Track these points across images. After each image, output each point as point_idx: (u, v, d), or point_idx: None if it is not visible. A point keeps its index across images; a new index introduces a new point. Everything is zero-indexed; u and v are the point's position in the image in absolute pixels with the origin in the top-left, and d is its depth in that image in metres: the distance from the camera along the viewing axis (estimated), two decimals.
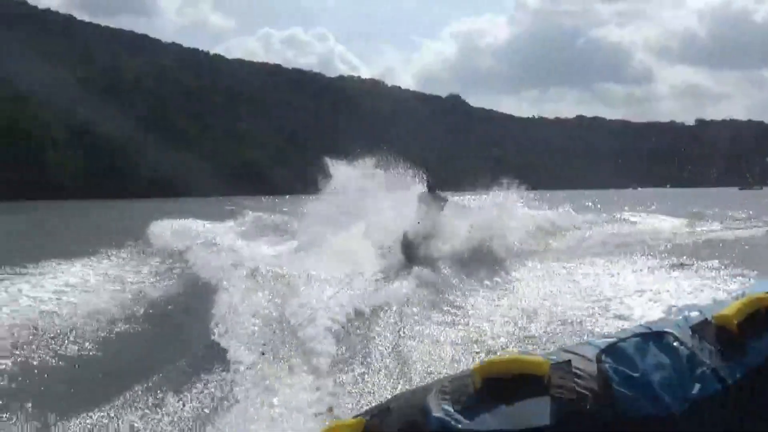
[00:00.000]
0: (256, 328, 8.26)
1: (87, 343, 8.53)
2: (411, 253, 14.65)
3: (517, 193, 20.14)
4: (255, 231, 16.20)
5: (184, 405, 6.10)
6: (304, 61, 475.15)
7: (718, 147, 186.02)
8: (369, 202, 16.19)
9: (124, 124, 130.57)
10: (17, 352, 8.02)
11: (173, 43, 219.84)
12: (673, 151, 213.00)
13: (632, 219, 30.27)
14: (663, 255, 16.69)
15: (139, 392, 6.42)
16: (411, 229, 14.90)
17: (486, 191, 20.62)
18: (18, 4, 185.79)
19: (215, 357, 7.34)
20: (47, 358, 7.94)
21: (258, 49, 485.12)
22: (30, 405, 6.18)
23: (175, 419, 5.82)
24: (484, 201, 20.16)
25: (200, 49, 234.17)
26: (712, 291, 11.31)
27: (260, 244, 14.51)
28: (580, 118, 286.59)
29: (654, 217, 31.15)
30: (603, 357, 0.90)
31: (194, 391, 6.42)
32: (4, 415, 6.01)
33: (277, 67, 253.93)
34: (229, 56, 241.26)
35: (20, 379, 7.19)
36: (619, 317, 9.88)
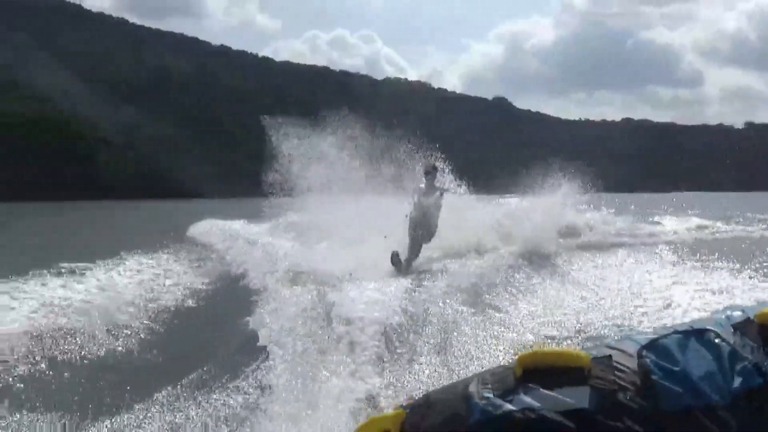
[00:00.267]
0: (297, 324, 8.31)
1: (131, 338, 8.70)
2: (402, 262, 13.70)
3: (566, 194, 20.02)
4: (295, 231, 16.22)
5: (225, 397, 6.17)
6: (351, 62, 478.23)
7: None
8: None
9: (173, 125, 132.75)
10: (68, 345, 8.17)
11: (222, 45, 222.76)
12: (721, 154, 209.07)
13: (668, 221, 29.93)
14: (692, 255, 16.56)
15: (183, 385, 6.52)
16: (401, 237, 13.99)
17: (532, 193, 20.52)
18: (72, 6, 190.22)
19: (256, 351, 7.41)
20: (95, 350, 8.12)
21: (304, 51, 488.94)
22: (77, 397, 6.29)
23: (218, 411, 5.90)
24: (527, 202, 20.06)
25: (248, 51, 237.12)
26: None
27: (299, 243, 14.52)
28: (627, 121, 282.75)
29: (688, 221, 30.63)
30: (644, 352, 0.91)
31: (235, 383, 6.48)
32: (56, 405, 6.09)
33: (325, 69, 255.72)
34: (277, 58, 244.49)
35: (69, 371, 7.32)
36: (657, 315, 9.80)
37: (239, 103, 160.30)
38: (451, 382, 0.97)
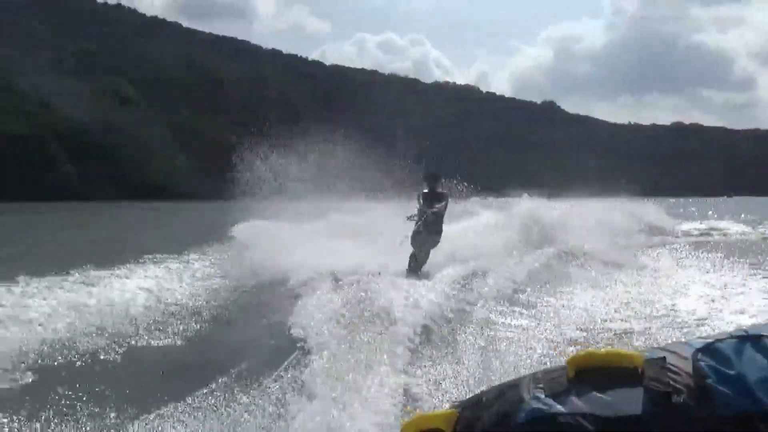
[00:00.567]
0: (339, 323, 8.30)
1: (172, 336, 8.85)
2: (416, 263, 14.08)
3: (625, 199, 20.42)
4: (339, 232, 16.36)
5: (265, 395, 6.17)
6: (400, 65, 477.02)
7: None
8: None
9: (225, 129, 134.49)
10: (114, 340, 8.36)
11: (273, 49, 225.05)
12: None
13: (732, 225, 29.82)
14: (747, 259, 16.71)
15: (224, 383, 6.55)
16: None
17: (581, 197, 20.72)
18: (129, 11, 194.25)
19: (298, 350, 7.41)
20: (138, 346, 8.25)
21: (353, 53, 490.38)
22: (116, 393, 6.40)
23: (258, 409, 5.89)
24: (573, 205, 20.33)
25: (299, 55, 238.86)
26: None
27: (341, 245, 14.66)
28: (677, 125, 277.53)
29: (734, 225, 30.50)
30: (699, 355, 0.90)
31: (276, 381, 6.51)
32: (97, 399, 6.23)
33: (374, 72, 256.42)
34: (326, 60, 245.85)
35: (110, 368, 7.41)
36: (711, 318, 9.83)
37: (290, 107, 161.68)
38: (501, 382, 0.98)
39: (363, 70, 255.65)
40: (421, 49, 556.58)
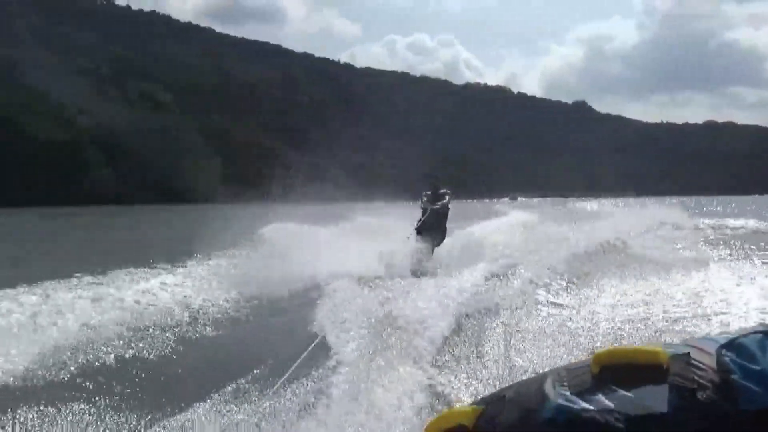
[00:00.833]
0: (363, 323, 8.39)
1: (196, 335, 8.98)
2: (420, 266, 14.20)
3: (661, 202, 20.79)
4: (364, 233, 16.49)
5: (290, 396, 6.19)
6: (430, 67, 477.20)
7: None
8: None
9: (259, 132, 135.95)
10: (142, 339, 8.51)
11: (305, 53, 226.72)
12: None
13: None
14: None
15: (247, 383, 6.58)
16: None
17: (611, 197, 20.89)
18: (162, 17, 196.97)
19: (322, 350, 7.45)
20: (163, 346, 8.32)
21: (383, 55, 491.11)
22: (139, 393, 6.46)
23: (283, 409, 5.89)
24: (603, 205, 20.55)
25: (330, 58, 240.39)
26: None
27: (365, 246, 14.83)
28: (709, 124, 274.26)
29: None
30: (723, 351, 0.89)
31: (302, 381, 6.51)
32: (117, 401, 6.28)
33: (405, 75, 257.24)
34: (356, 63, 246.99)
35: (132, 366, 7.45)
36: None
37: (322, 109, 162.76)
38: (525, 378, 0.98)
39: (394, 72, 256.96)
40: (452, 50, 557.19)
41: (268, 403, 5.95)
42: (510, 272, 12.96)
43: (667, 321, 9.51)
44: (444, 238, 15.36)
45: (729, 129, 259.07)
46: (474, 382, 6.64)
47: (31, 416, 5.85)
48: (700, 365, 0.87)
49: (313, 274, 12.74)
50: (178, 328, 9.11)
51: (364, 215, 18.33)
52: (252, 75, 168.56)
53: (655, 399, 0.83)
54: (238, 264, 14.55)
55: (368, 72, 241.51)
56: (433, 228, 14.87)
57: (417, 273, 13.32)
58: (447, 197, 15.42)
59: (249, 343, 8.87)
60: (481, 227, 26.02)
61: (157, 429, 5.58)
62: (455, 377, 6.76)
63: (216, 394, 6.20)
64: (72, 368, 7.14)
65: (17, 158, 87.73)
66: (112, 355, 7.71)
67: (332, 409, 5.66)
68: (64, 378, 6.89)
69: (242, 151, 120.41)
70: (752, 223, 29.97)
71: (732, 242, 19.43)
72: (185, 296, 11.24)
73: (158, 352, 8.05)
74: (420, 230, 14.73)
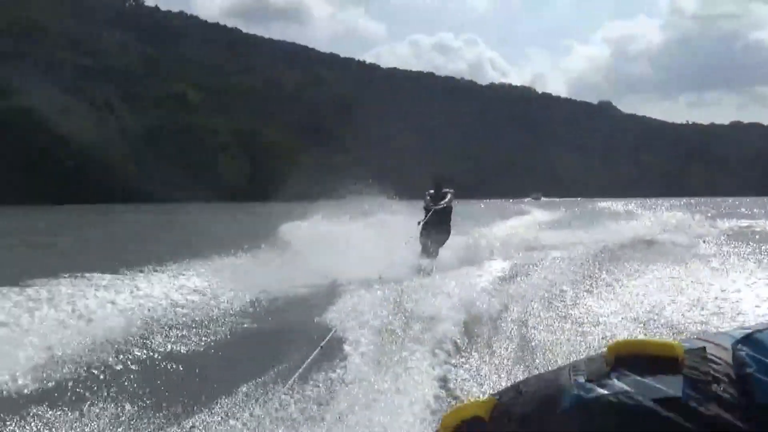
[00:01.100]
0: (379, 317, 8.49)
1: (215, 332, 9.08)
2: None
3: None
4: (384, 231, 16.17)
5: (305, 392, 6.21)
6: (455, 67, 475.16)
7: None
8: None
9: (285, 132, 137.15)
10: (163, 334, 8.67)
11: (330, 53, 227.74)
12: None
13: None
14: None
15: (263, 381, 6.63)
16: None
17: (636, 197, 21.24)
18: (189, 17, 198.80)
19: (338, 347, 7.43)
20: (180, 344, 8.40)
21: (408, 55, 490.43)
22: (152, 392, 6.49)
23: (299, 405, 5.91)
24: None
25: (356, 58, 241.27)
26: None
27: (383, 243, 14.47)
28: (736, 124, 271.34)
29: None
30: (739, 345, 0.88)
31: (318, 377, 6.53)
32: (130, 400, 6.34)
33: (430, 75, 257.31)
34: (381, 63, 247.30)
35: (146, 364, 7.51)
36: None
37: (348, 109, 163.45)
38: (540, 371, 0.97)
39: (419, 72, 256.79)
40: (476, 49, 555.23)
41: (278, 400, 5.96)
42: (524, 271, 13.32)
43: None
44: (448, 238, 15.36)
45: (756, 130, 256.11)
46: (489, 373, 6.76)
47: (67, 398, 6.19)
48: (716, 359, 0.87)
49: (324, 272, 12.91)
50: (197, 326, 9.22)
51: (385, 213, 18.23)
52: (279, 75, 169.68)
53: (672, 389, 0.82)
54: (253, 263, 14.75)
55: (394, 72, 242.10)
56: (436, 228, 14.82)
57: (421, 272, 13.28)
58: (449, 196, 15.31)
59: (262, 340, 8.93)
60: (507, 224, 26.64)
61: (178, 423, 5.70)
62: (471, 370, 6.86)
63: (215, 400, 6.18)
64: (82, 368, 7.21)
65: (48, 158, 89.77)
66: (138, 351, 7.82)
67: (346, 404, 5.75)
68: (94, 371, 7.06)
69: (269, 150, 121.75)
70: None
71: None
72: (197, 294, 11.49)
73: (183, 347, 8.18)
74: (423, 230, 14.67)
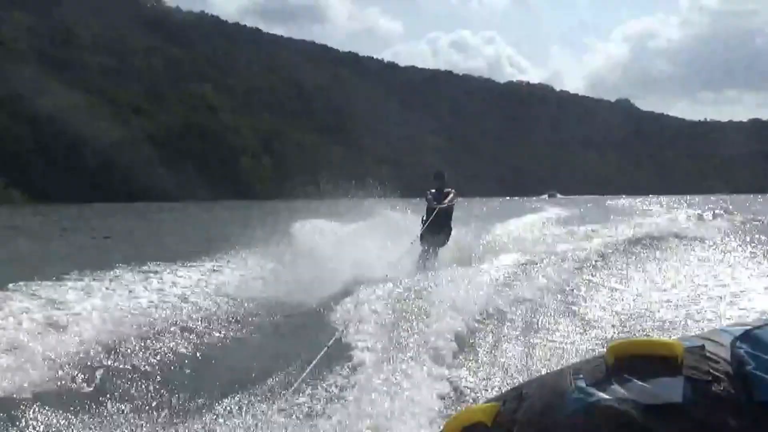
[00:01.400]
0: (384, 321, 8.56)
1: (220, 332, 9.21)
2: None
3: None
4: (390, 230, 16.20)
5: (312, 394, 6.33)
6: (473, 64, 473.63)
7: None
8: None
9: (306, 132, 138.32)
10: (177, 329, 8.94)
11: (350, 52, 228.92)
12: None
13: None
14: None
15: (269, 383, 6.77)
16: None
17: (654, 195, 21.53)
18: (210, 17, 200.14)
19: (344, 349, 7.51)
20: (191, 342, 8.56)
21: (426, 52, 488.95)
22: (155, 396, 6.64)
23: (304, 409, 6.03)
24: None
25: (375, 57, 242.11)
26: None
27: (388, 242, 14.81)
28: (755, 122, 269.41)
29: None
30: (737, 343, 0.88)
31: (323, 379, 6.65)
32: (135, 398, 6.52)
33: (448, 73, 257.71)
34: (400, 61, 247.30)
35: (150, 364, 7.63)
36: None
37: (367, 108, 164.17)
38: (541, 374, 0.97)
39: (438, 71, 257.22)
40: (494, 46, 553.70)
41: (285, 400, 6.04)
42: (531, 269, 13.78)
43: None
44: (449, 238, 15.38)
45: None
46: (491, 379, 6.92)
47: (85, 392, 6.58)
48: (715, 357, 0.86)
49: (332, 271, 13.04)
50: (208, 325, 9.43)
51: (395, 212, 18.34)
52: (300, 75, 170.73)
53: (671, 393, 0.82)
54: (269, 261, 14.93)
55: (412, 71, 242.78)
56: (437, 228, 14.81)
57: (425, 272, 13.37)
58: (451, 195, 15.24)
59: (267, 342, 9.05)
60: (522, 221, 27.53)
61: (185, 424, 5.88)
62: (474, 372, 7.08)
63: (219, 403, 6.35)
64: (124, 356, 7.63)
65: (76, 157, 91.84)
66: (143, 352, 7.95)
67: (350, 407, 5.87)
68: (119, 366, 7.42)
69: (291, 149, 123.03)
70: None
71: None
72: (207, 293, 11.85)
73: (189, 346, 8.39)
74: (424, 231, 14.67)
